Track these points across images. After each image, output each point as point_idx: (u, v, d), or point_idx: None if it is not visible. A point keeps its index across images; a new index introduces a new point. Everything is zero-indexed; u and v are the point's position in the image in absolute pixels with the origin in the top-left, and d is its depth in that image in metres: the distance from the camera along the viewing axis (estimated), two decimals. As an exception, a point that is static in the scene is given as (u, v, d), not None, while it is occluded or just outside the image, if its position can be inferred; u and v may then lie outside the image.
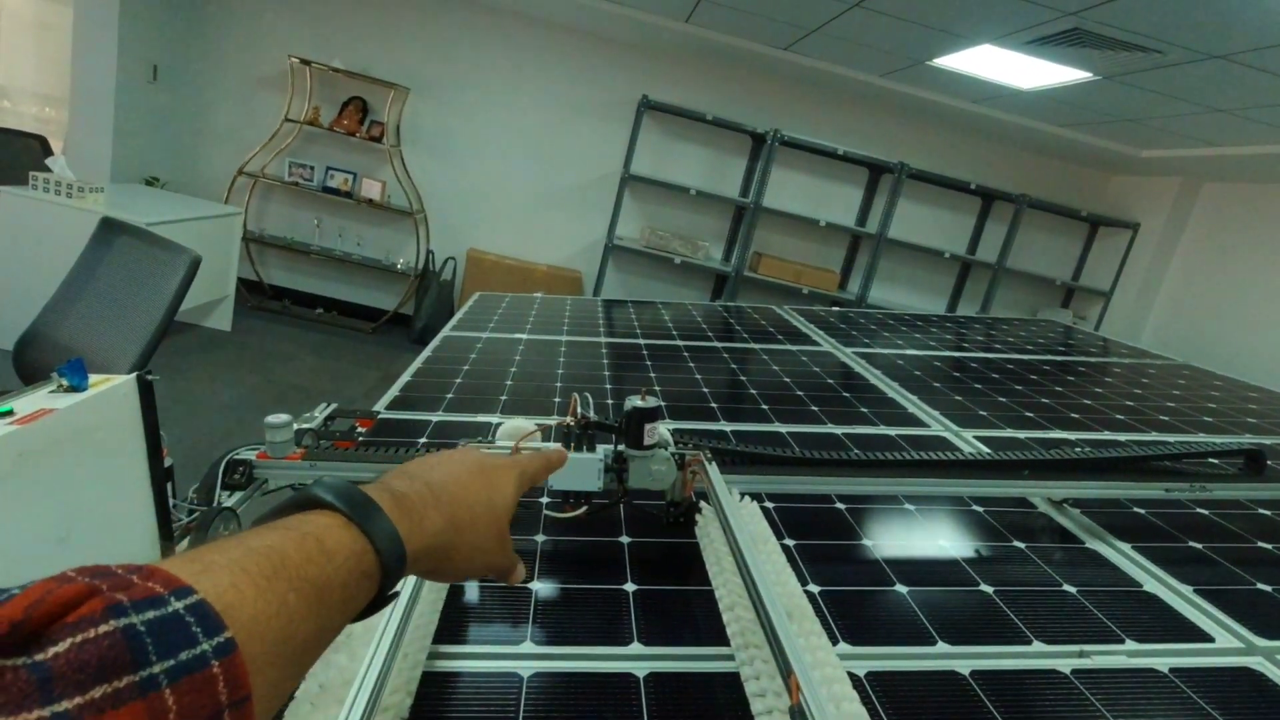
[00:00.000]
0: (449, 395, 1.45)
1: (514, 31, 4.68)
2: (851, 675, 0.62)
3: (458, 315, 2.23)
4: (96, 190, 3.43)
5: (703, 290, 5.25)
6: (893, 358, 2.07)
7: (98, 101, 4.15)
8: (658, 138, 4.90)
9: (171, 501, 0.81)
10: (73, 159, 3.69)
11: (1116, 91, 3.34)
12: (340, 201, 4.80)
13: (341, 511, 0.38)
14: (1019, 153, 5.14)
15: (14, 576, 0.25)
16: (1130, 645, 0.78)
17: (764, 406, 1.52)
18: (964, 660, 0.73)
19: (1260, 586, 0.94)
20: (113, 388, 0.74)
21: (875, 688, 0.68)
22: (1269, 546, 1.06)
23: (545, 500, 0.95)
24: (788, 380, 1.74)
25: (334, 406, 1.18)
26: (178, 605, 0.26)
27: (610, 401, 1.47)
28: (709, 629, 0.74)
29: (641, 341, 2.03)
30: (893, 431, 1.42)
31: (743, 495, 0.90)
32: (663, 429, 0.87)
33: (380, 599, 0.40)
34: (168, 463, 0.81)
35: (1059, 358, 2.28)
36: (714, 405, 1.50)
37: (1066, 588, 0.88)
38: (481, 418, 1.33)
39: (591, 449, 0.83)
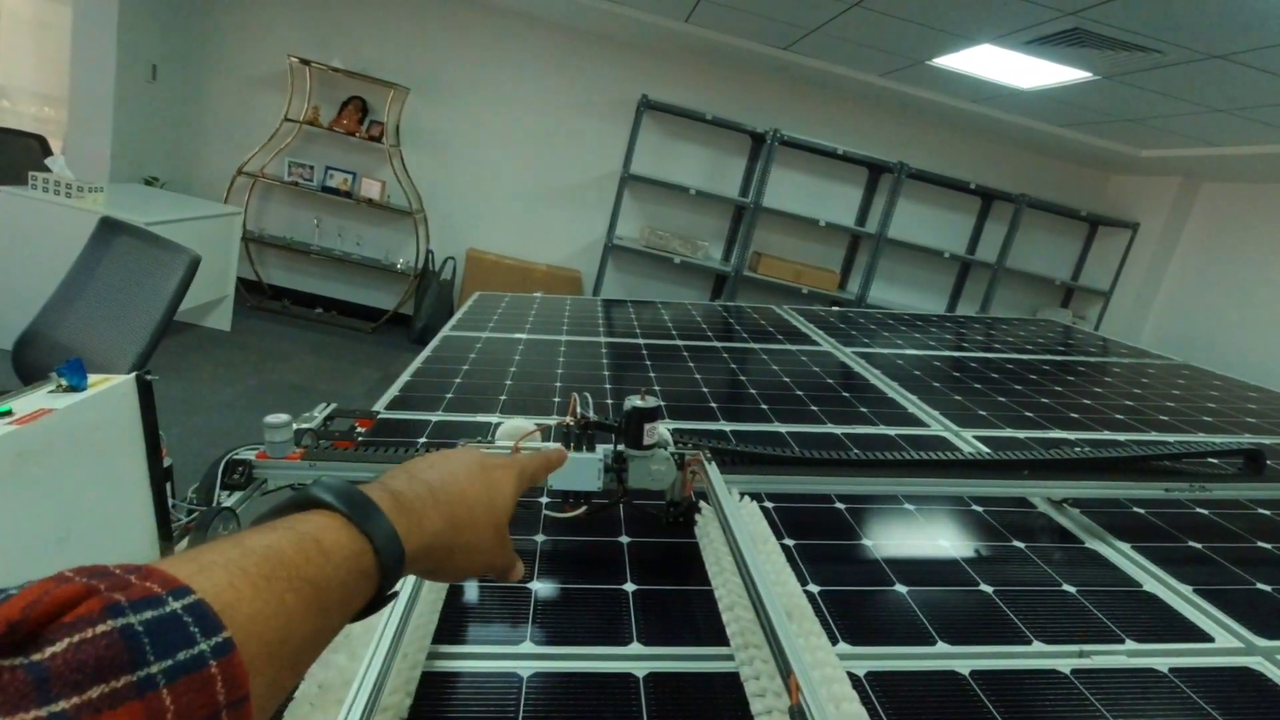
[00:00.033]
0: (448, 395, 1.45)
1: (514, 31, 4.68)
2: (851, 675, 0.62)
3: (457, 315, 2.22)
4: (96, 190, 3.43)
5: (702, 290, 5.25)
6: (892, 357, 2.07)
7: (97, 101, 4.14)
8: (657, 137, 4.90)
9: (171, 501, 0.81)
10: (72, 159, 3.69)
11: (1116, 91, 3.34)
12: (340, 201, 4.80)
13: (340, 511, 0.38)
14: (1019, 152, 5.14)
15: (13, 576, 0.25)
16: (1130, 645, 0.78)
17: (763, 406, 1.51)
18: (964, 660, 0.73)
19: (1260, 586, 0.94)
20: (112, 388, 0.73)
21: (875, 688, 0.68)
22: (1268, 546, 1.06)
23: (545, 500, 0.95)
24: (787, 380, 1.74)
25: (333, 406, 1.18)
26: (175, 605, 0.25)
27: (610, 401, 1.47)
28: (709, 629, 0.74)
29: (641, 341, 2.03)
30: (892, 431, 1.42)
31: (742, 495, 0.90)
32: (662, 429, 0.87)
33: (379, 599, 0.40)
34: (167, 462, 0.81)
35: (1058, 357, 2.28)
36: (713, 405, 1.50)
37: (1066, 587, 0.88)
38: (481, 418, 1.33)
39: (591, 449, 0.83)
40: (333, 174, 4.76)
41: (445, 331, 2.00)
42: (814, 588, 0.83)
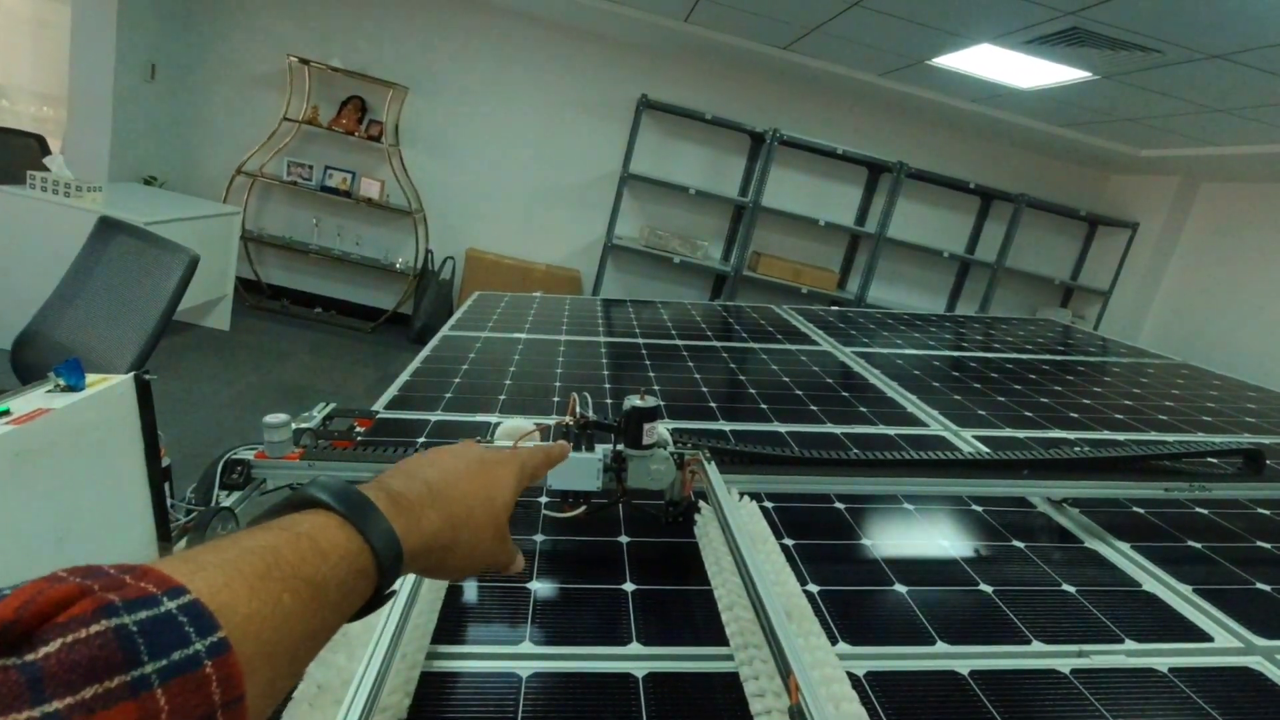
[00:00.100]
0: (448, 395, 1.45)
1: (513, 30, 4.68)
2: (851, 675, 0.62)
3: (456, 315, 2.22)
4: (94, 189, 3.43)
5: (702, 290, 5.25)
6: (892, 357, 2.07)
7: (96, 100, 4.14)
8: (657, 137, 4.90)
9: (169, 501, 0.81)
10: (71, 158, 3.68)
11: (1115, 91, 3.34)
12: (339, 201, 4.80)
13: (337, 511, 0.38)
14: (1018, 152, 5.14)
15: (11, 576, 0.25)
16: (1129, 645, 0.78)
17: (763, 406, 1.51)
18: (963, 660, 0.73)
19: (1259, 586, 0.94)
20: (110, 387, 0.73)
21: (874, 688, 0.67)
22: (1268, 546, 1.06)
23: (544, 500, 0.95)
24: (787, 380, 1.74)
25: (332, 406, 1.17)
26: (170, 605, 0.25)
27: (609, 401, 1.47)
28: (708, 629, 0.74)
29: (640, 341, 2.03)
30: (892, 431, 1.42)
31: (742, 495, 0.90)
32: (661, 428, 0.87)
33: (377, 598, 0.40)
34: (165, 462, 0.81)
35: (1058, 357, 2.28)
36: (713, 405, 1.50)
37: (1066, 587, 0.88)
38: (480, 417, 1.33)
39: (590, 448, 0.83)
40: (332, 173, 4.76)
41: (444, 331, 2.00)
42: (813, 587, 0.83)
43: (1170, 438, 1.54)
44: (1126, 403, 1.79)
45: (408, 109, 4.76)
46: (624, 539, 0.91)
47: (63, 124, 4.38)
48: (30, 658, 0.22)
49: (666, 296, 3.92)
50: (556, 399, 1.46)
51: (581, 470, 0.80)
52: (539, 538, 0.90)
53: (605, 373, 1.68)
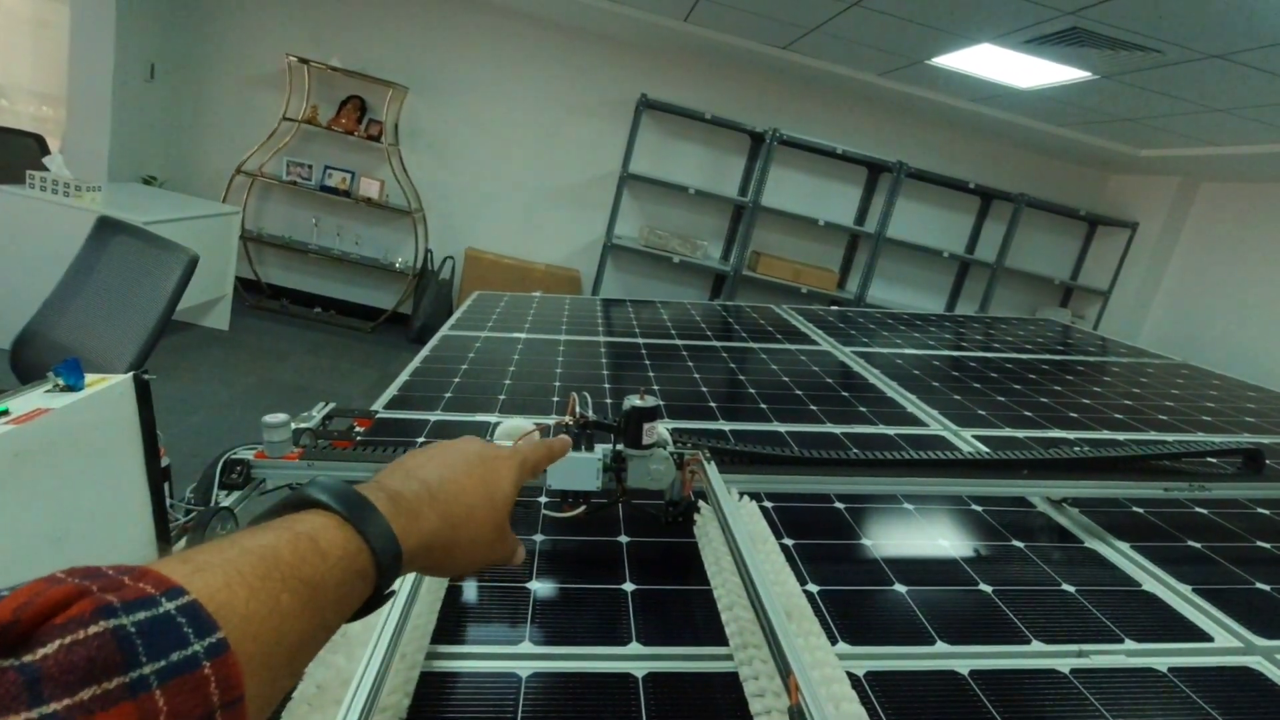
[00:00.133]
0: (447, 395, 1.44)
1: (513, 30, 4.67)
2: (850, 675, 0.62)
3: (456, 314, 2.22)
4: (94, 189, 3.43)
5: (701, 289, 5.25)
6: (891, 357, 2.07)
7: (95, 100, 4.14)
8: (656, 137, 4.90)
9: (168, 501, 0.81)
10: (70, 157, 3.68)
11: (1115, 91, 3.34)
12: (338, 200, 4.80)
13: (336, 511, 0.38)
14: (1017, 152, 5.14)
15: (10, 577, 0.25)
16: (1129, 645, 0.78)
17: (763, 406, 1.51)
18: (963, 660, 0.73)
19: (1259, 586, 0.94)
20: (109, 387, 0.73)
21: (874, 687, 0.67)
22: (1268, 546, 1.06)
23: (544, 500, 0.95)
24: (786, 379, 1.74)
25: (332, 406, 1.17)
26: (169, 606, 0.25)
27: (609, 401, 1.47)
28: (708, 629, 0.74)
29: (640, 341, 2.03)
30: (892, 431, 1.42)
31: (741, 495, 0.90)
32: (661, 428, 0.87)
33: (377, 598, 0.40)
34: (165, 462, 0.81)
35: (1057, 357, 2.28)
36: (713, 405, 1.50)
37: (1065, 587, 0.88)
38: (480, 417, 1.33)
39: (590, 448, 0.83)
40: (331, 173, 4.76)
41: (444, 331, 2.00)
42: (813, 587, 0.83)
43: (1170, 437, 1.54)
44: (1126, 402, 1.79)
45: (407, 108, 4.76)
46: (624, 539, 0.91)
47: (62, 123, 4.37)
48: (29, 659, 0.22)
49: (666, 296, 3.92)
50: (556, 399, 1.46)
51: (581, 470, 0.80)
52: (539, 537, 0.90)
53: (605, 373, 1.68)
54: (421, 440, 1.19)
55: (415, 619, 0.68)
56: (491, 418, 1.33)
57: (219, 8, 4.57)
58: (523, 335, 1.99)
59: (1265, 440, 1.58)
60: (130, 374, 0.76)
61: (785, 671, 0.51)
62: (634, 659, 0.69)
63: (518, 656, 0.69)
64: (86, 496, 0.71)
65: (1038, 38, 2.84)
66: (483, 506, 0.50)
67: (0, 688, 0.21)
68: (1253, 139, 3.62)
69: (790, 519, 0.99)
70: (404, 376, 1.55)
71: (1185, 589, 0.90)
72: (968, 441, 1.40)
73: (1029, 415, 1.61)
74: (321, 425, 1.10)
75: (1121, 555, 0.98)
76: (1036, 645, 0.76)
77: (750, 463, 0.94)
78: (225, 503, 0.82)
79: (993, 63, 3.34)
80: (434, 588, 0.74)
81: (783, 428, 1.38)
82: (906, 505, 1.08)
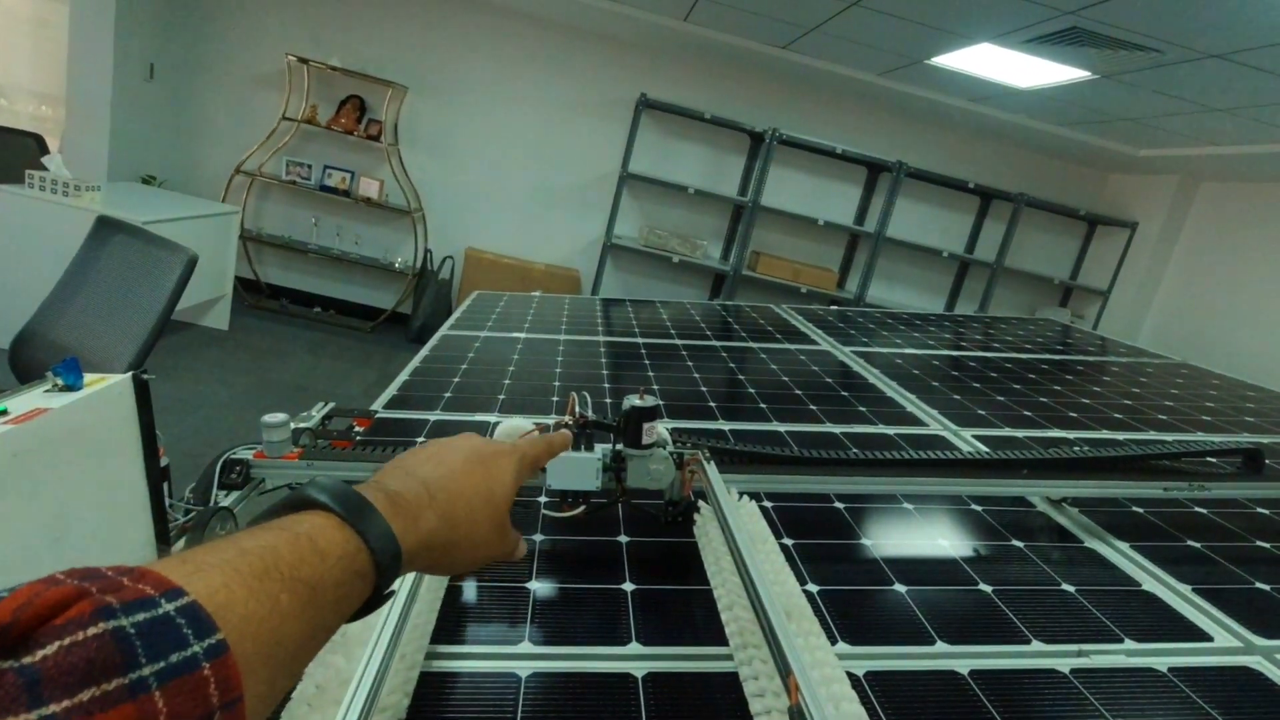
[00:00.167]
0: (447, 394, 1.44)
1: (512, 30, 4.67)
2: (850, 675, 0.62)
3: (456, 314, 2.22)
4: (93, 189, 3.43)
5: (701, 289, 5.25)
6: (891, 357, 2.07)
7: (94, 100, 4.14)
8: (656, 136, 4.90)
9: (168, 502, 0.81)
10: (69, 157, 3.68)
11: (1114, 90, 3.34)
12: (338, 200, 4.80)
13: (335, 512, 0.38)
14: (1017, 152, 5.14)
15: (8, 577, 0.25)
16: (1129, 644, 0.78)
17: (762, 405, 1.51)
18: (963, 660, 0.72)
19: (1259, 585, 0.94)
20: (108, 387, 0.73)
21: (874, 687, 0.67)
22: (1267, 545, 1.06)
23: (543, 500, 0.95)
24: (786, 379, 1.74)
25: (331, 405, 1.17)
26: (168, 607, 0.25)
27: (608, 401, 1.47)
28: (708, 629, 0.74)
29: (640, 340, 2.03)
30: (891, 430, 1.42)
31: (741, 494, 0.89)
32: (661, 428, 0.87)
33: (376, 599, 0.40)
34: (164, 462, 0.81)
35: (1057, 357, 2.28)
36: (712, 404, 1.50)
37: (1065, 587, 0.88)
38: (479, 417, 1.33)
39: (590, 448, 0.83)
40: (331, 173, 4.76)
41: (443, 330, 2.00)
42: (813, 587, 0.83)
43: (1169, 437, 1.54)
44: (1126, 402, 1.79)
45: (407, 108, 4.76)
46: (623, 539, 0.91)
47: (61, 123, 4.37)
48: (28, 660, 0.22)
49: (666, 296, 3.92)
50: (556, 398, 1.46)
51: (581, 470, 0.80)
52: (538, 537, 0.90)
53: (605, 372, 1.68)
54: (421, 440, 1.19)
55: (415, 619, 0.68)
56: (491, 417, 1.33)
57: (219, 8, 4.57)
58: (522, 335, 1.99)
59: (1265, 440, 1.58)
60: (129, 374, 0.76)
61: (785, 671, 0.51)
62: (634, 659, 0.69)
63: (517, 656, 0.69)
64: (85, 497, 0.71)
65: (1037, 37, 2.84)
66: (482, 504, 0.50)
67: (0, 689, 0.21)
68: (1252, 139, 3.62)
69: (790, 519, 0.99)
70: (403, 376, 1.55)
71: (1185, 589, 0.90)
72: (967, 441, 1.40)
73: (1029, 415, 1.61)
74: (321, 425, 1.09)
75: (1121, 555, 0.98)
76: (1036, 645, 0.76)
77: (750, 462, 0.94)
78: (224, 503, 0.82)
79: (992, 62, 3.34)
80: (433, 587, 0.74)
81: (782, 427, 1.38)
82: (906, 505, 1.08)
